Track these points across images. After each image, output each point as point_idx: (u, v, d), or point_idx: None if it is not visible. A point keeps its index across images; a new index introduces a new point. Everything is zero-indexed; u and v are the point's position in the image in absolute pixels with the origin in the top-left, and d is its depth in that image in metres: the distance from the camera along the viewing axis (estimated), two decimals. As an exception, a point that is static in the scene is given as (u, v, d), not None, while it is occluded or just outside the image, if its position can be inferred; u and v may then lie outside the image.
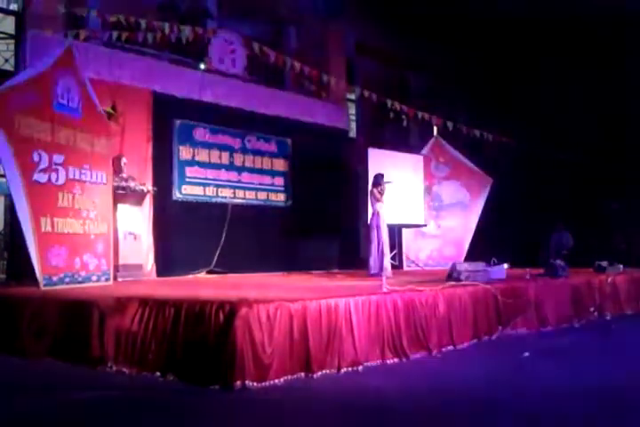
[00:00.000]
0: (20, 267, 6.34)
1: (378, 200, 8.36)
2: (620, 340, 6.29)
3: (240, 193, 9.97)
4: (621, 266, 8.89)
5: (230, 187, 9.82)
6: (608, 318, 7.73)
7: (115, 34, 8.63)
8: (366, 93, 11.55)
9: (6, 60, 8.54)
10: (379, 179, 8.49)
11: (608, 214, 12.88)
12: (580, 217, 12.62)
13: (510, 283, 6.91)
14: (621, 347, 5.90)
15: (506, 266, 7.35)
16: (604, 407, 3.81)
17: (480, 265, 7.01)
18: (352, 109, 13.35)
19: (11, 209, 6.52)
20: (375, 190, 8.43)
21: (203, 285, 7.25)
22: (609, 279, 8.25)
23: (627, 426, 3.49)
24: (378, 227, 8.30)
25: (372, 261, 8.24)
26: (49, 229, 6.04)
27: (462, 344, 5.82)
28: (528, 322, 6.70)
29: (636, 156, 12.78)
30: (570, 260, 8.88)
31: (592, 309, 7.67)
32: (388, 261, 8.35)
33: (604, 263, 8.70)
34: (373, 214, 8.41)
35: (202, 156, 9.51)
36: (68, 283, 6.19)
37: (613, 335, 6.52)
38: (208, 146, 9.61)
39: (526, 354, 5.32)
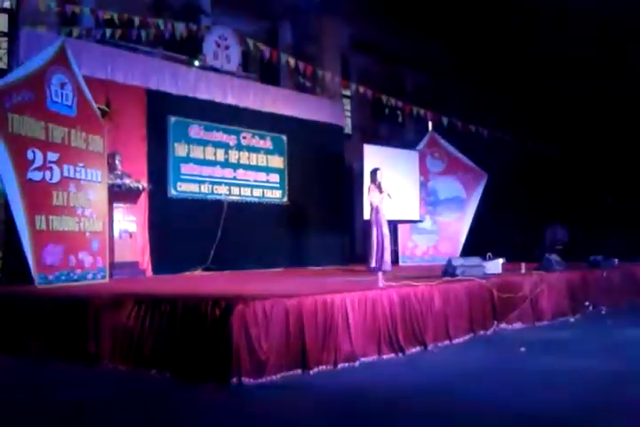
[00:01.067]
0: (16, 265, 6.32)
1: (376, 195, 8.39)
2: (615, 333, 6.31)
3: (235, 190, 9.96)
4: (616, 260, 8.92)
5: (226, 184, 9.81)
6: (603, 312, 7.77)
7: (108, 31, 8.64)
8: (361, 89, 11.57)
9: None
10: (374, 174, 8.52)
11: (603, 209, 12.92)
12: (576, 212, 12.66)
13: (506, 278, 6.93)
14: (617, 340, 5.93)
15: (501, 261, 7.37)
16: (602, 400, 3.82)
17: (475, 260, 7.02)
18: (347, 105, 13.35)
19: (5, 207, 6.48)
20: (372, 186, 8.45)
21: (199, 282, 7.25)
22: (604, 274, 8.29)
23: (628, 417, 3.50)
24: (377, 222, 8.35)
25: (372, 256, 8.29)
26: (44, 227, 6.04)
27: (458, 339, 5.83)
28: (523, 316, 6.73)
29: (632, 151, 12.82)
30: (565, 254, 8.91)
31: (587, 303, 7.70)
32: (388, 256, 8.40)
33: (599, 258, 8.73)
34: (372, 210, 8.44)
35: (197, 153, 9.50)
36: (63, 281, 6.18)
37: (609, 329, 6.54)
38: (203, 143, 9.59)
39: (523, 349, 5.34)
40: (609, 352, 5.28)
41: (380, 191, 8.40)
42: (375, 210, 8.40)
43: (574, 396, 3.92)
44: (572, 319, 7.25)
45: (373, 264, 8.22)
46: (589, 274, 8.13)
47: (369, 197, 8.52)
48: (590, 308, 7.71)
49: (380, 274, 5.63)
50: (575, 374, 4.50)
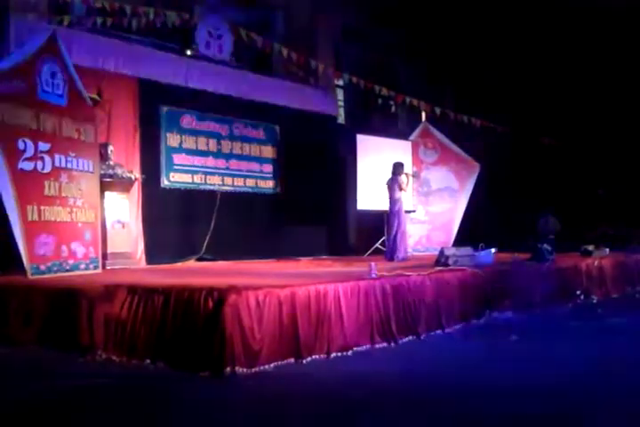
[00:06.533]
0: (7, 256, 6.30)
1: (401, 189, 8.65)
2: (606, 322, 6.36)
3: (228, 180, 9.93)
4: (607, 250, 8.97)
5: (218, 174, 9.78)
6: (594, 301, 7.82)
7: (99, 20, 8.54)
8: (354, 79, 11.53)
9: (-11, 47, 8.43)
10: (399, 168, 8.67)
11: (595, 200, 12.98)
12: (568, 202, 12.71)
13: (497, 267, 6.97)
14: (608, 329, 5.98)
15: (493, 251, 7.41)
16: (593, 386, 3.86)
17: (468, 250, 7.07)
18: (340, 95, 13.30)
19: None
20: (398, 179, 8.58)
21: (192, 272, 7.25)
22: (595, 263, 8.34)
23: (618, 401, 3.54)
24: (399, 214, 8.55)
25: (393, 247, 8.51)
26: (35, 217, 6.01)
27: (450, 328, 5.87)
28: (515, 305, 6.77)
29: (623, 142, 12.85)
30: (557, 244, 8.95)
31: (578, 292, 7.76)
32: (406, 247, 8.73)
33: (591, 247, 8.78)
34: (395, 202, 8.62)
35: (189, 143, 9.46)
36: (56, 272, 6.17)
37: (600, 318, 6.59)
38: (195, 133, 9.56)
39: (514, 337, 5.38)
40: (600, 340, 5.33)
41: (400, 186, 8.66)
42: (397, 202, 8.64)
43: (564, 383, 3.96)
44: (563, 308, 7.30)
45: (396, 257, 8.46)
46: (581, 263, 8.18)
47: (392, 190, 8.68)
48: (582, 297, 7.77)
49: (372, 264, 5.64)
50: (566, 361, 4.54)
